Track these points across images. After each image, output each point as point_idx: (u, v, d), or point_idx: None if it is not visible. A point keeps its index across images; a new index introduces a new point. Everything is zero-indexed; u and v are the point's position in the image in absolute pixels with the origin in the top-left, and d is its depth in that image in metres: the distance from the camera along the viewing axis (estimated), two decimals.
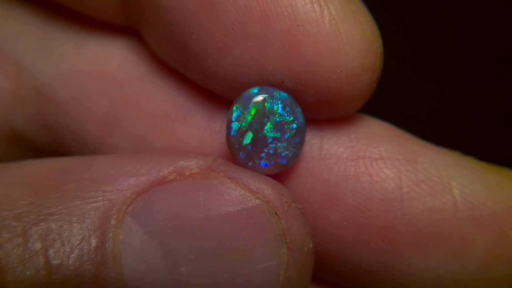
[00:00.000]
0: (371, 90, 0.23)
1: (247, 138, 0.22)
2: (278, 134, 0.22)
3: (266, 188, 0.21)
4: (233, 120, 0.22)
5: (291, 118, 0.22)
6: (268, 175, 0.22)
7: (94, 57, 0.27)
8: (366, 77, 0.22)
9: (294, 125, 0.22)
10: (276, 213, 0.21)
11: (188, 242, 0.20)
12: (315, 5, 0.21)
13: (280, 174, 0.24)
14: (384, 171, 0.24)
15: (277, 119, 0.22)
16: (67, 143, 0.27)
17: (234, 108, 0.22)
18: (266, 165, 0.22)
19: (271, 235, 0.20)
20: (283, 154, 0.22)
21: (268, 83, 0.22)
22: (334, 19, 0.21)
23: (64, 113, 0.27)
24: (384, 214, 0.23)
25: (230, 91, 0.24)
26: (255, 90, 0.22)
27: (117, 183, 0.21)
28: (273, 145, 0.22)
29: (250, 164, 0.22)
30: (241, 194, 0.21)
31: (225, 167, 0.21)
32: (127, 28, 0.27)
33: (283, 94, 0.22)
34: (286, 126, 0.22)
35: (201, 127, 0.25)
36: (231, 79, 0.23)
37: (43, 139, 0.28)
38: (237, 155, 0.22)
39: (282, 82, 0.22)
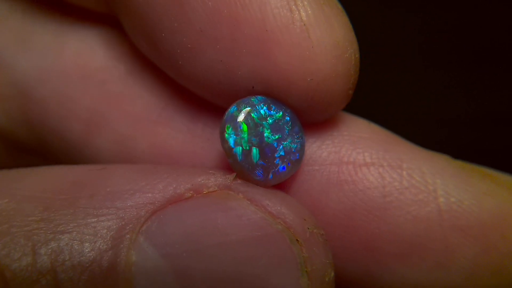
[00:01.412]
0: (347, 97, 0.22)
1: (255, 155, 0.21)
2: (279, 135, 0.21)
3: (288, 213, 0.20)
4: (232, 146, 0.21)
5: (280, 113, 0.22)
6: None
7: (75, 54, 0.26)
8: (339, 85, 0.21)
9: (287, 118, 0.22)
10: (297, 240, 0.20)
11: (203, 268, 0.19)
12: (285, 10, 0.20)
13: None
14: (368, 178, 0.23)
15: (270, 121, 0.21)
16: (49, 142, 0.27)
17: (226, 135, 0.21)
18: (284, 168, 0.22)
19: (291, 264, 0.19)
20: (293, 150, 0.22)
21: (238, 87, 0.22)
22: (305, 24, 0.20)
23: (46, 112, 0.26)
24: (367, 224, 0.23)
25: (207, 92, 0.23)
26: (234, 109, 0.21)
27: (131, 200, 0.20)
28: (281, 147, 0.21)
29: (270, 177, 0.21)
30: (261, 219, 0.20)
31: (245, 187, 0.20)
32: (108, 16, 0.26)
33: (259, 97, 0.22)
34: (280, 123, 0.22)
35: (183, 131, 0.25)
36: (202, 80, 0.22)
37: (26, 137, 0.27)
38: (254, 175, 0.21)
39: (253, 87, 0.21)
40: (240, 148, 0.21)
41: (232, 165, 0.21)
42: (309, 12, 0.20)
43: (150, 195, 0.20)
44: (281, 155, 0.21)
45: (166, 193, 0.20)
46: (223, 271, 0.19)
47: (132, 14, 0.23)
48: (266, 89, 0.21)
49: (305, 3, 0.20)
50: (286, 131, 0.22)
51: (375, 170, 0.23)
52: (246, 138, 0.21)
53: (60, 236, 0.19)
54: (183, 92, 0.24)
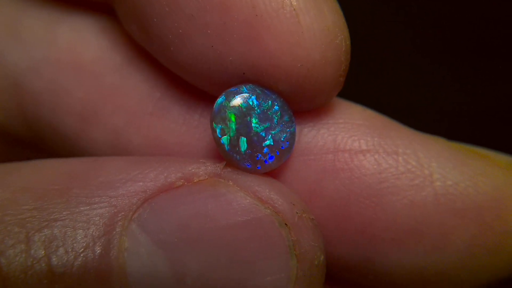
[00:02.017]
0: (338, 84, 0.22)
1: (242, 145, 0.21)
2: (267, 124, 0.22)
3: (276, 198, 0.20)
4: (219, 136, 0.21)
5: (269, 102, 0.22)
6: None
7: (68, 45, 0.26)
8: (329, 71, 0.21)
9: (276, 107, 0.22)
10: (286, 224, 0.20)
11: (195, 252, 0.20)
12: None
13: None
14: (364, 165, 0.23)
15: (258, 110, 0.22)
16: (44, 134, 0.27)
17: (214, 125, 0.21)
18: (273, 157, 0.22)
19: (280, 247, 0.20)
20: (282, 139, 0.22)
21: (229, 73, 0.22)
22: (295, 10, 0.20)
23: (39, 104, 0.26)
24: (364, 210, 0.23)
25: (197, 79, 0.23)
26: (222, 98, 0.21)
27: (123, 188, 0.20)
28: (269, 136, 0.22)
29: (258, 167, 0.22)
30: (251, 204, 0.20)
31: (235, 175, 0.21)
32: (102, 3, 0.26)
33: (247, 86, 0.22)
34: (269, 113, 0.22)
35: (179, 122, 0.24)
36: (194, 66, 0.22)
37: (21, 130, 0.27)
38: (242, 164, 0.21)
39: (244, 73, 0.21)
40: (228, 137, 0.21)
41: (222, 154, 0.22)
42: None
43: (141, 183, 0.20)
44: (269, 145, 0.22)
45: (158, 182, 0.21)
46: (214, 255, 0.20)
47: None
48: (257, 76, 0.21)
49: None
50: (275, 120, 0.22)
51: (371, 156, 0.23)
52: (233, 128, 0.21)
53: (53, 223, 0.19)
54: (179, 83, 0.24)
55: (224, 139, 0.21)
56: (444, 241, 0.23)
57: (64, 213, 0.20)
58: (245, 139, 0.21)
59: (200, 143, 0.24)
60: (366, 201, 0.23)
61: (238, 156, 0.21)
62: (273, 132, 0.22)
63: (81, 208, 0.20)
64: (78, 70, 0.26)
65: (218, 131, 0.21)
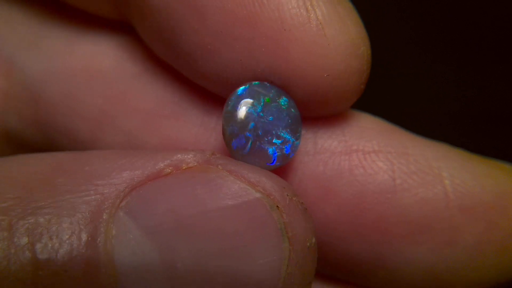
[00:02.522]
0: (359, 91, 0.23)
1: (248, 147, 0.22)
2: (275, 131, 0.22)
3: (266, 181, 0.20)
4: (229, 134, 0.22)
5: (283, 108, 0.22)
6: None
7: (86, 54, 0.26)
8: (353, 80, 0.22)
9: (288, 118, 0.22)
10: (277, 206, 0.20)
11: (185, 237, 0.19)
12: (302, 10, 0.21)
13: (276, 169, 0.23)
14: (377, 163, 0.24)
15: (270, 118, 0.22)
16: (59, 142, 0.27)
17: (224, 123, 0.22)
18: (274, 162, 0.22)
19: (272, 230, 0.19)
20: (286, 147, 0.22)
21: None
22: (321, 23, 0.21)
23: (56, 111, 0.26)
24: (377, 206, 0.23)
25: (223, 90, 0.23)
26: (236, 100, 0.22)
27: (110, 177, 0.20)
28: (274, 141, 0.22)
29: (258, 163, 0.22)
30: (241, 187, 0.20)
31: (224, 160, 0.21)
32: (120, 23, 0.26)
33: (268, 85, 0.22)
34: (279, 120, 0.22)
35: (196, 124, 0.25)
36: (222, 79, 0.23)
37: (36, 138, 0.27)
38: (245, 156, 0.22)
39: (271, 82, 0.22)
40: (236, 138, 0.22)
41: (228, 148, 0.22)
42: (324, 11, 0.21)
43: (129, 172, 0.20)
44: (273, 149, 0.22)
45: (145, 170, 0.20)
46: (204, 241, 0.19)
47: (149, 18, 0.23)
48: (283, 85, 0.22)
49: (320, 3, 0.21)
50: (284, 128, 0.22)
51: (383, 156, 0.24)
52: (242, 129, 0.22)
53: (37, 211, 0.19)
54: (197, 88, 0.25)
55: (234, 142, 0.22)
56: (453, 237, 0.24)
57: (48, 201, 0.19)
58: (252, 142, 0.22)
59: (218, 143, 0.25)
60: (380, 197, 0.24)
61: (241, 157, 0.22)
62: (278, 141, 0.22)
63: (67, 197, 0.19)
64: (95, 77, 0.26)
65: (228, 130, 0.22)
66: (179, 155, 0.21)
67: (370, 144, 0.24)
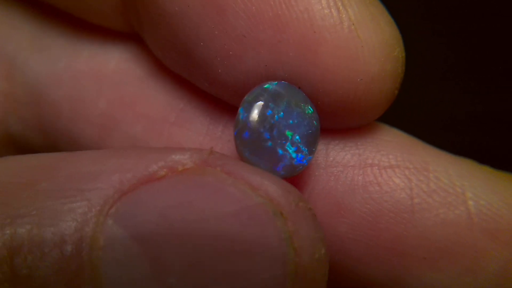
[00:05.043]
0: (392, 97, 0.21)
1: (257, 146, 0.20)
2: (290, 140, 0.20)
3: (269, 184, 0.18)
4: (243, 119, 0.20)
5: (305, 124, 0.20)
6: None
7: (91, 57, 0.25)
8: (387, 84, 0.21)
9: (306, 129, 0.20)
10: (281, 213, 0.17)
11: (178, 248, 0.17)
12: (333, 10, 0.20)
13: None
14: (393, 180, 0.22)
15: (290, 121, 0.20)
16: (61, 145, 0.26)
17: (241, 109, 0.20)
18: (279, 169, 0.20)
19: (275, 240, 0.17)
20: (295, 159, 0.20)
21: None
22: (353, 24, 0.20)
23: (59, 114, 0.25)
24: (394, 227, 0.22)
25: (238, 98, 0.21)
26: (268, 85, 0.20)
27: (98, 181, 0.18)
28: (284, 150, 0.20)
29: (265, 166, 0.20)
30: (241, 191, 0.18)
31: (223, 160, 0.19)
32: (126, 34, 0.25)
33: (297, 89, 0.20)
34: (297, 133, 0.20)
35: (202, 132, 0.24)
36: (243, 87, 0.21)
37: (37, 141, 0.27)
38: (248, 159, 0.20)
39: (298, 88, 0.21)
40: (247, 131, 0.20)
41: (235, 138, 0.20)
42: (357, 11, 0.20)
43: (118, 175, 0.18)
44: (281, 158, 0.20)
45: (137, 172, 0.18)
46: (200, 251, 0.17)
47: (162, 27, 0.22)
48: (312, 92, 0.21)
49: (352, 2, 0.20)
50: (301, 136, 0.20)
51: (401, 172, 0.22)
52: (257, 123, 0.20)
53: (17, 220, 0.17)
54: (203, 95, 0.24)
55: (246, 132, 0.20)
56: (477, 263, 0.22)
57: (29, 208, 0.17)
58: (264, 141, 0.20)
59: (224, 152, 0.23)
60: (397, 217, 0.22)
61: (249, 153, 0.20)
62: (290, 150, 0.20)
63: (49, 203, 0.18)
64: (100, 80, 0.25)
65: (243, 117, 0.20)
66: (174, 156, 0.19)
67: (386, 158, 0.22)
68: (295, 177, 0.22)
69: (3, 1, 0.27)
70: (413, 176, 0.22)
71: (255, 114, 0.20)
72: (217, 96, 0.23)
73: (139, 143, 0.24)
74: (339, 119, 0.22)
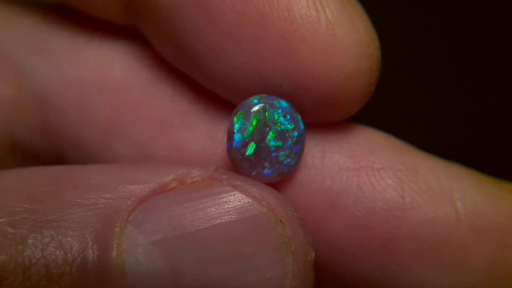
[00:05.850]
0: (368, 93, 0.23)
1: (250, 149, 0.22)
2: (280, 143, 0.22)
3: (269, 196, 0.21)
4: (235, 131, 0.22)
5: (292, 126, 0.23)
6: (268, 184, 0.22)
7: (96, 63, 0.26)
8: (363, 81, 0.22)
9: (295, 133, 0.23)
10: (281, 221, 0.21)
11: (192, 251, 0.20)
12: (311, 9, 0.21)
13: (282, 182, 0.24)
14: (386, 180, 0.24)
15: (279, 128, 0.22)
16: (67, 151, 0.27)
17: (235, 119, 0.22)
18: (269, 173, 0.23)
19: (277, 243, 0.20)
20: (285, 162, 0.23)
21: (266, 86, 0.23)
22: (330, 23, 0.21)
23: (65, 120, 0.26)
24: (386, 224, 0.23)
25: (233, 94, 0.24)
26: (255, 100, 0.22)
27: (118, 190, 0.20)
28: (275, 154, 0.22)
29: (254, 173, 0.22)
30: (246, 202, 0.21)
31: (228, 175, 0.21)
32: (129, 28, 0.26)
33: (283, 102, 0.22)
34: (287, 134, 0.22)
35: (204, 134, 0.25)
36: (231, 81, 0.23)
37: (43, 147, 0.27)
38: (240, 166, 0.22)
39: (280, 86, 0.22)
40: (241, 136, 0.22)
41: (228, 148, 0.22)
42: (334, 10, 0.21)
43: (135, 186, 0.21)
44: (272, 161, 0.22)
45: (151, 184, 0.21)
46: (212, 253, 0.20)
47: (157, 19, 0.23)
48: (293, 87, 0.22)
49: (330, 2, 0.21)
50: (288, 144, 0.22)
51: (393, 173, 0.24)
52: (250, 131, 0.22)
53: (49, 224, 0.19)
54: (205, 99, 0.25)
55: (237, 136, 0.22)
56: (464, 258, 0.23)
57: (59, 214, 0.19)
58: (255, 145, 0.22)
59: (225, 155, 0.25)
60: (389, 215, 0.23)
61: (240, 156, 0.22)
62: (281, 152, 0.23)
63: (76, 210, 0.20)
64: (105, 86, 0.26)
65: (236, 126, 0.22)
66: (183, 170, 0.21)
67: (379, 160, 0.24)
68: (294, 178, 0.24)
69: (9, 6, 0.28)
70: (404, 177, 0.24)
71: (246, 135, 0.22)
72: (214, 91, 0.24)
73: (143, 146, 0.25)
74: (319, 113, 0.23)
